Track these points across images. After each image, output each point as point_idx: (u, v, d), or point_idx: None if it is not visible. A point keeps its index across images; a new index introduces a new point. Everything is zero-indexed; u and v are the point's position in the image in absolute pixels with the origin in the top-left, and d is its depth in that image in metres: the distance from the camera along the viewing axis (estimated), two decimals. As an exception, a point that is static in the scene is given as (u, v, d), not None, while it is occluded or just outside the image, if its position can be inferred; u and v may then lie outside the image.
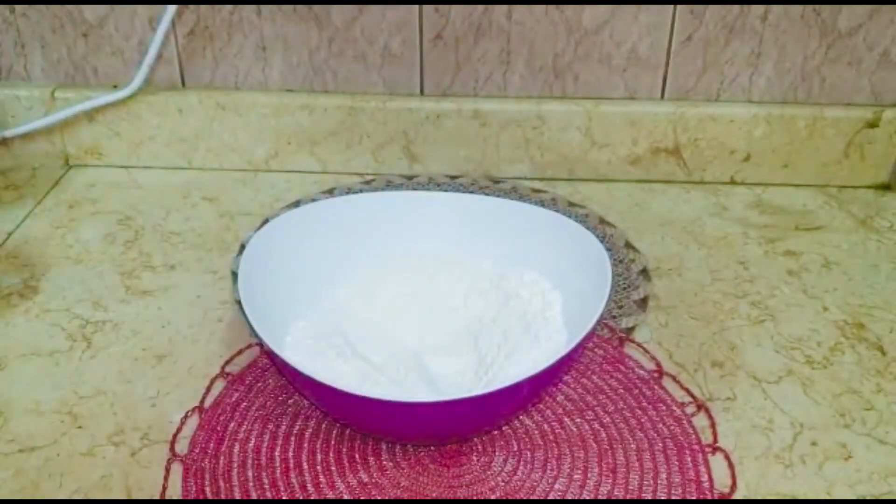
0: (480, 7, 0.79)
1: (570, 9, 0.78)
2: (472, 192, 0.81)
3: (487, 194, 0.80)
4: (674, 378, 0.58)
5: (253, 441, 0.53)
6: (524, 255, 0.59)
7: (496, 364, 0.54)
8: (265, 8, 0.80)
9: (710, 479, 0.50)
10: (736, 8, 0.77)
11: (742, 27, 0.78)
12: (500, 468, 0.51)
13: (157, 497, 0.50)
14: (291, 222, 0.59)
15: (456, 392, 0.52)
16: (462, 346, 0.57)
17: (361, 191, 0.82)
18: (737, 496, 0.50)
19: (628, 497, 0.49)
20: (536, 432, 0.54)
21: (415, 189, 0.82)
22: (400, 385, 0.54)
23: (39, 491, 0.50)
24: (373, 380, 0.53)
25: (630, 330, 0.63)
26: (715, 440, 0.54)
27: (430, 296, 0.60)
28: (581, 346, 0.48)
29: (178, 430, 0.54)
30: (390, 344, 0.57)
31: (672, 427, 0.54)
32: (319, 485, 0.50)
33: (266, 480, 0.50)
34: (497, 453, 0.52)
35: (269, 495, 0.49)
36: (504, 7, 0.78)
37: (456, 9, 0.79)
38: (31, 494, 0.50)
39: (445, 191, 0.82)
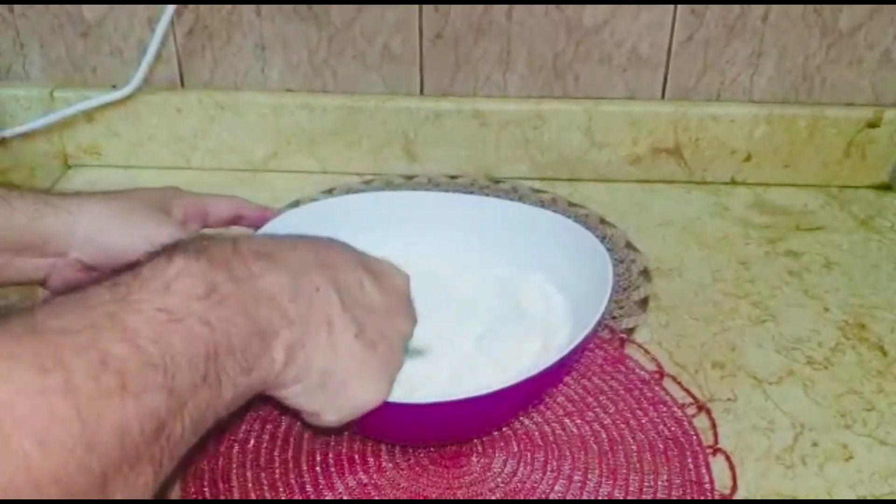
0: (480, 7, 0.78)
1: (570, 8, 0.78)
2: (471, 193, 0.81)
3: (487, 194, 0.80)
4: (674, 379, 0.58)
5: (252, 442, 0.53)
6: (525, 255, 0.59)
7: (496, 365, 0.54)
8: (265, 8, 0.79)
9: (711, 481, 0.50)
10: (736, 8, 0.77)
11: (743, 27, 0.78)
12: (500, 469, 0.51)
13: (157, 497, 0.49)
14: (291, 222, 0.59)
15: (456, 393, 0.51)
16: (462, 347, 0.57)
17: (361, 191, 0.82)
18: (737, 496, 0.50)
19: (629, 498, 0.49)
20: (537, 433, 0.53)
21: (415, 189, 0.82)
22: (399, 386, 0.54)
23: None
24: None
25: (630, 330, 0.63)
26: (716, 441, 0.53)
27: (430, 297, 0.59)
28: (581, 348, 0.48)
29: (177, 430, 0.54)
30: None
31: (673, 428, 0.54)
32: (319, 486, 0.50)
33: (265, 481, 0.50)
34: (497, 454, 0.52)
35: (268, 496, 0.49)
36: (504, 7, 0.78)
37: (456, 9, 0.79)
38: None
39: (445, 191, 0.81)
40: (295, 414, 0.43)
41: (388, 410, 0.45)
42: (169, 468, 0.32)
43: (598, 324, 0.49)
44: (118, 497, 0.29)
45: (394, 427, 0.49)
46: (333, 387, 0.41)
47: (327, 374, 0.40)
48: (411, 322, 0.47)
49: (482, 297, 0.60)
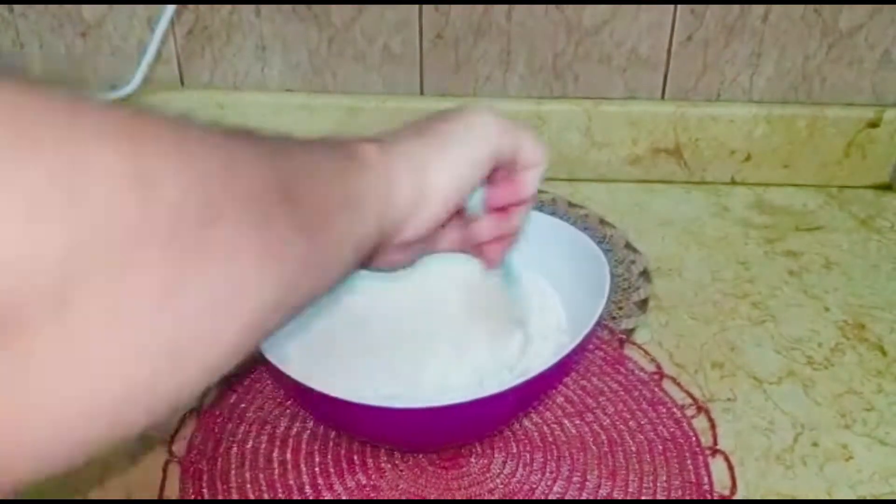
0: (480, 7, 0.78)
1: (570, 9, 0.78)
2: (471, 193, 0.81)
3: (487, 195, 0.80)
4: (674, 380, 0.58)
5: (250, 443, 0.53)
6: (523, 258, 0.59)
7: (493, 368, 0.54)
8: (264, 8, 0.79)
9: (711, 482, 0.50)
10: (736, 8, 0.77)
11: (742, 27, 0.78)
12: (499, 470, 0.51)
13: (154, 498, 0.49)
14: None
15: (453, 397, 0.51)
16: (460, 350, 0.57)
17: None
18: (737, 497, 0.50)
19: (628, 499, 0.49)
20: (536, 434, 0.53)
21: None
22: (395, 388, 0.53)
23: (38, 491, 0.50)
24: (371, 384, 0.52)
25: (630, 331, 0.63)
26: (715, 442, 0.53)
27: (428, 299, 0.59)
28: (578, 351, 0.48)
29: (176, 431, 0.54)
30: (388, 347, 0.57)
31: (672, 429, 0.54)
32: (317, 486, 0.50)
33: (264, 482, 0.50)
34: (496, 455, 0.52)
35: (266, 497, 0.49)
36: (504, 7, 0.78)
37: (456, 9, 0.79)
38: (30, 495, 0.50)
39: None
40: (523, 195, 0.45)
41: (383, 414, 0.45)
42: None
43: (595, 327, 0.48)
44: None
45: (391, 431, 0.49)
46: (463, 122, 0.42)
47: (441, 127, 0.42)
48: None
49: (479, 300, 0.59)
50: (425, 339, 0.58)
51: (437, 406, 0.46)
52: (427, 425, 0.48)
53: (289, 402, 0.55)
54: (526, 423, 0.54)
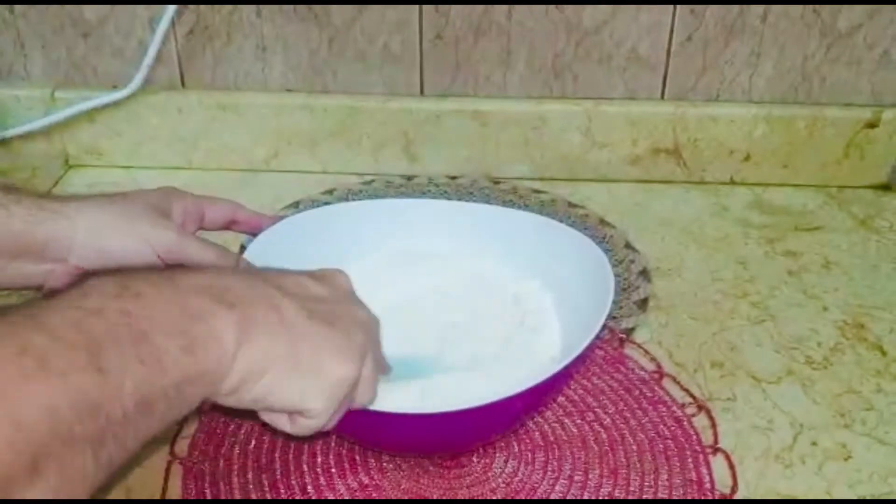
0: (480, 7, 0.79)
1: (570, 9, 0.78)
2: (471, 193, 0.81)
3: (487, 195, 0.80)
4: (674, 379, 0.58)
5: (253, 443, 0.53)
6: (525, 263, 0.58)
7: (493, 375, 0.53)
8: (265, 8, 0.80)
9: (712, 480, 0.50)
10: (736, 8, 0.77)
11: (742, 27, 0.78)
12: (500, 469, 0.51)
13: (156, 499, 0.50)
14: (291, 226, 0.59)
15: (453, 404, 0.50)
16: (460, 356, 0.56)
17: (361, 191, 0.82)
18: (736, 496, 0.50)
19: (629, 498, 0.49)
20: (537, 433, 0.54)
21: (414, 189, 0.82)
22: (394, 394, 0.53)
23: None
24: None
25: (630, 331, 0.63)
26: (715, 441, 0.54)
27: (427, 304, 0.59)
28: (580, 360, 0.47)
29: (178, 431, 0.54)
30: (387, 352, 0.57)
31: (672, 428, 0.54)
32: (320, 487, 0.50)
33: (266, 482, 0.50)
34: (498, 455, 0.52)
35: (268, 497, 0.49)
36: (504, 7, 0.78)
37: (456, 9, 0.79)
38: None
39: (445, 191, 0.82)
40: (280, 428, 0.41)
41: (386, 421, 0.45)
42: (118, 451, 0.32)
43: (598, 335, 0.48)
44: (52, 478, 0.29)
45: (393, 438, 0.49)
46: (308, 365, 0.38)
47: (295, 354, 0.38)
48: (366, 311, 0.44)
49: (480, 306, 0.59)
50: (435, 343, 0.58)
51: (442, 413, 0.45)
52: (429, 432, 0.47)
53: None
54: (527, 422, 0.54)
